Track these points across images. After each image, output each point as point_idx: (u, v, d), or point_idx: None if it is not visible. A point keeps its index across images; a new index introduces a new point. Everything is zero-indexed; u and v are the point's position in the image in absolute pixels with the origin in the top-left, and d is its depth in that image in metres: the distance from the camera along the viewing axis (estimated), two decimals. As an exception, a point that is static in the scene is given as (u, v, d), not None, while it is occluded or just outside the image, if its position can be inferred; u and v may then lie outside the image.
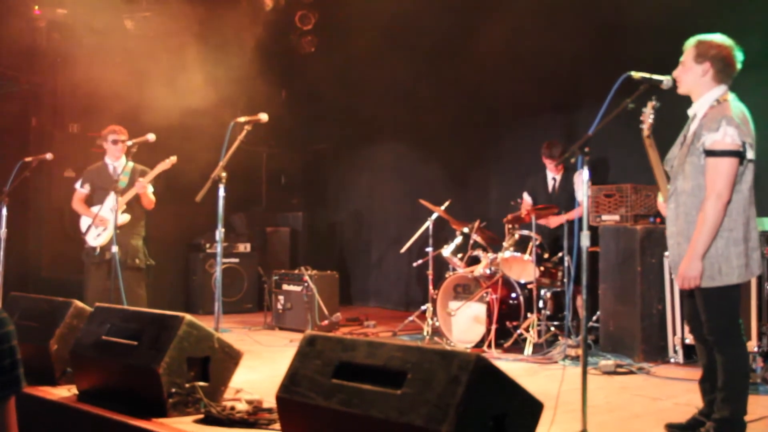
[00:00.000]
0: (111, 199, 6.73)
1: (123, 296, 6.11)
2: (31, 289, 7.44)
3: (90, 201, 6.95)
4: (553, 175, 7.40)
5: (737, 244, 3.68)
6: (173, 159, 6.60)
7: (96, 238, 6.76)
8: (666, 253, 6.06)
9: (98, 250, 6.73)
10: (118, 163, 6.93)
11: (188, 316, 4.28)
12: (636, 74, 3.80)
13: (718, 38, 3.82)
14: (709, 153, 3.62)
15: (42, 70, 9.38)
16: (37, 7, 9.01)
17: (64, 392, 4.71)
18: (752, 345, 5.47)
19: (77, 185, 6.99)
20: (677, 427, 4.00)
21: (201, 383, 4.21)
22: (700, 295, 3.75)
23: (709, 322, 3.77)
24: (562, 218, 6.91)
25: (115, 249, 6.18)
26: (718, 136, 3.60)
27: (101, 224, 6.72)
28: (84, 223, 6.89)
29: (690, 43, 3.86)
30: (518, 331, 6.54)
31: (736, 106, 3.73)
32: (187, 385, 4.16)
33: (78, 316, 5.00)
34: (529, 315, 6.58)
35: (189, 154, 7.07)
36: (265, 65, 9.60)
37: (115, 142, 6.88)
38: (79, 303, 5.09)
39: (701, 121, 3.73)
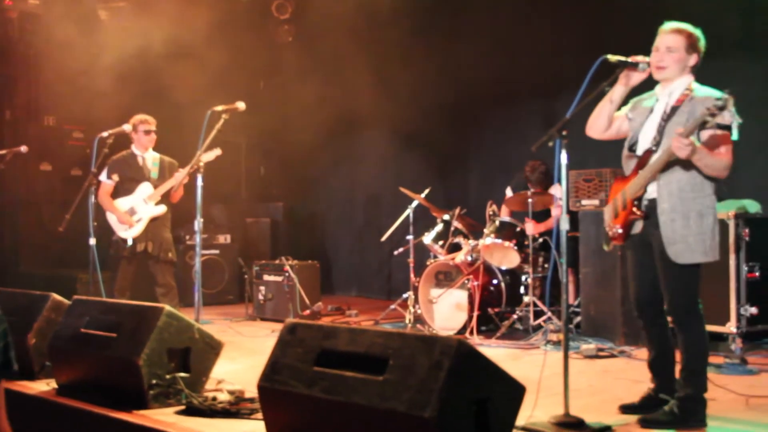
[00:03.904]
0: (143, 189, 6.67)
1: (102, 288, 6.08)
2: (8, 284, 7.34)
3: (115, 192, 6.77)
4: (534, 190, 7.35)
5: (716, 224, 3.82)
6: (218, 151, 6.45)
7: (128, 229, 6.66)
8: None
9: (130, 241, 6.62)
10: (147, 154, 6.83)
11: (168, 307, 4.25)
12: (612, 57, 3.84)
13: (698, 31, 3.92)
14: (722, 127, 3.67)
15: (15, 62, 9.26)
16: (8, -2, 8.89)
17: (43, 386, 4.66)
18: (731, 326, 5.52)
19: (103, 177, 6.72)
20: (631, 407, 4.06)
21: (182, 374, 4.18)
22: (678, 271, 3.79)
23: (679, 298, 3.84)
24: (540, 227, 6.88)
25: (93, 241, 6.14)
26: (724, 115, 3.66)
27: (126, 223, 6.62)
28: (111, 216, 6.73)
29: (673, 30, 3.86)
30: (515, 315, 6.61)
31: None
32: (167, 377, 4.13)
33: (56, 309, 4.95)
34: (525, 298, 6.60)
35: (166, 145, 7.00)
36: (243, 55, 9.53)
37: (147, 132, 6.76)
38: (56, 296, 5.03)
39: (692, 104, 3.77)
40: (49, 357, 4.73)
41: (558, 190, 7.01)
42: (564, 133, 3.75)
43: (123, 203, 6.68)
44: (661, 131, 3.85)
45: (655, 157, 3.82)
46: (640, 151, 3.93)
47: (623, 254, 6.10)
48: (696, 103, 3.76)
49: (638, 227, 3.94)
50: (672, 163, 3.73)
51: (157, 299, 6.54)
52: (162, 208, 6.72)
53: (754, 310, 5.53)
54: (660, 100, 3.95)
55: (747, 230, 5.60)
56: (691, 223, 3.75)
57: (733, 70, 6.25)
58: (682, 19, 3.95)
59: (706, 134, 3.72)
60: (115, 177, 6.72)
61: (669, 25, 3.90)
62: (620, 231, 3.98)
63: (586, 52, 4.43)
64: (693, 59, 3.87)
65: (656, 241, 3.84)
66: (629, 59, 3.86)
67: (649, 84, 4.01)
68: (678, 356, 3.92)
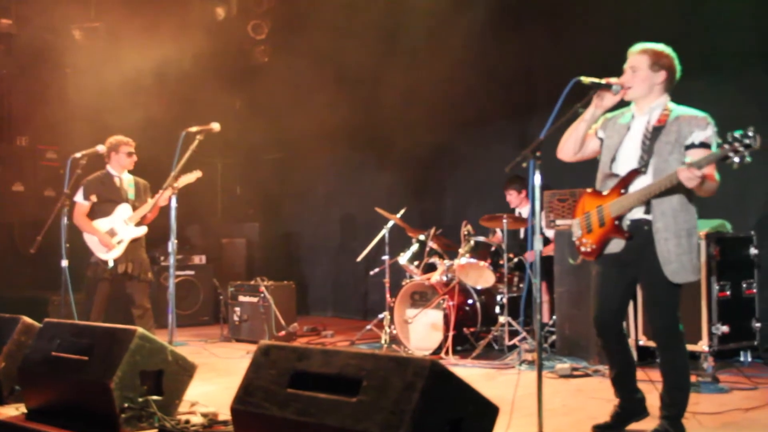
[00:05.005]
0: (122, 211, 6.60)
1: (74, 310, 6.01)
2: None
3: (92, 213, 6.65)
4: (519, 210, 7.42)
5: (697, 243, 3.90)
6: (198, 173, 6.42)
7: (109, 251, 6.54)
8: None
9: (111, 263, 6.50)
10: (123, 175, 6.76)
11: (140, 329, 4.20)
12: (585, 79, 3.87)
13: (667, 49, 3.96)
14: (706, 145, 3.75)
15: (-14, 82, 9.20)
16: (-20, 19, 8.83)
17: (12, 411, 4.57)
18: (703, 345, 5.57)
19: (79, 198, 6.63)
20: (604, 427, 4.09)
21: (155, 397, 4.13)
22: (669, 291, 3.83)
23: (665, 318, 3.89)
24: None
25: (65, 263, 6.08)
26: (708, 133, 3.77)
27: (107, 245, 6.50)
28: (90, 237, 6.60)
29: (639, 51, 3.93)
30: (490, 335, 6.61)
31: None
32: (140, 400, 4.07)
33: (26, 332, 4.86)
34: (500, 318, 6.61)
35: (140, 166, 6.97)
36: (219, 75, 9.53)
37: (129, 154, 6.70)
38: (27, 319, 4.95)
39: (678, 123, 3.81)
40: (18, 381, 4.64)
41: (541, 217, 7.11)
42: (537, 153, 3.77)
43: (102, 225, 6.59)
44: (647, 151, 3.86)
45: (644, 179, 3.84)
46: (621, 170, 3.94)
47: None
48: (682, 123, 3.81)
49: (615, 246, 3.95)
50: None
51: (132, 321, 6.46)
52: (143, 230, 6.66)
53: (725, 328, 5.60)
54: (637, 119, 3.97)
55: (718, 249, 5.68)
56: (683, 242, 3.80)
57: (696, 90, 6.35)
58: (652, 40, 4.01)
59: (694, 154, 3.73)
60: (93, 198, 6.63)
61: (635, 47, 3.98)
62: (594, 247, 4.00)
63: (559, 73, 4.50)
64: (660, 76, 3.90)
65: (646, 261, 3.84)
66: (602, 81, 3.90)
67: (624, 102, 4.06)
68: (660, 376, 3.94)
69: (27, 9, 8.84)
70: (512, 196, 7.45)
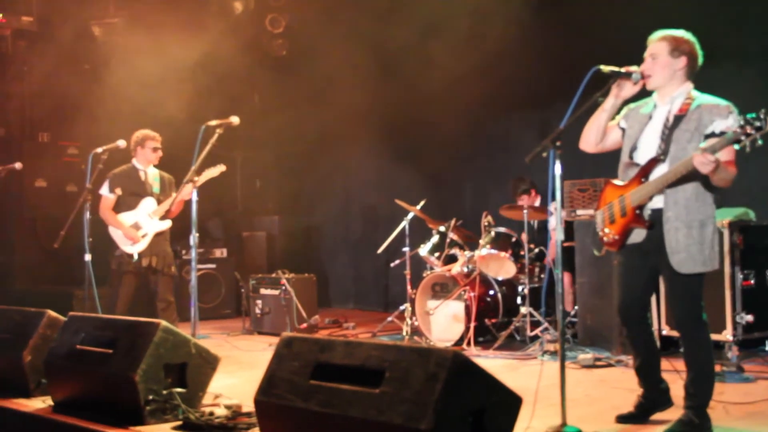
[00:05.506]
0: (147, 204, 6.66)
1: (98, 304, 6.05)
2: (3, 301, 7.32)
3: (116, 207, 6.69)
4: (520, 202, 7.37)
5: (715, 233, 3.82)
6: (222, 167, 6.51)
7: (134, 244, 6.59)
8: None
9: (135, 256, 6.55)
10: (149, 169, 6.81)
11: (164, 322, 4.23)
12: (605, 68, 3.85)
13: (687, 34, 3.90)
14: (724, 134, 3.66)
15: (8, 78, 9.26)
16: (1, 15, 8.89)
17: (38, 404, 4.64)
18: (728, 334, 5.53)
19: (104, 192, 6.67)
20: (628, 417, 4.09)
21: (178, 389, 4.17)
22: (683, 281, 3.78)
23: (684, 308, 3.85)
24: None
25: (88, 258, 6.12)
26: (729, 122, 3.68)
27: (132, 239, 6.54)
28: (114, 231, 6.64)
29: (659, 38, 3.90)
30: (512, 326, 6.61)
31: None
32: (164, 392, 4.12)
33: (51, 326, 4.93)
34: (522, 309, 6.59)
35: (161, 160, 7.00)
36: (237, 69, 9.55)
37: (155, 149, 6.76)
38: (52, 313, 5.02)
39: (699, 111, 3.75)
40: (44, 374, 4.70)
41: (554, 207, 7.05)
42: (558, 143, 3.75)
43: (127, 218, 6.63)
44: (666, 140, 3.81)
45: (662, 167, 3.79)
46: (641, 159, 3.90)
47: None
48: (703, 111, 3.75)
49: (637, 236, 3.92)
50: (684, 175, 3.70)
51: (156, 314, 6.50)
52: (167, 223, 6.69)
53: (749, 317, 5.55)
54: (659, 107, 3.93)
55: (741, 238, 5.62)
56: (694, 233, 3.74)
57: (722, 78, 6.29)
58: (675, 27, 3.97)
59: (711, 143, 3.66)
60: (118, 191, 6.67)
61: (654, 34, 3.94)
62: (617, 237, 3.97)
63: (579, 62, 4.46)
64: (680, 62, 3.85)
65: (661, 250, 3.81)
66: (622, 70, 3.87)
67: (645, 92, 4.02)
68: (684, 366, 3.91)
69: (48, 6, 8.90)
70: (524, 201, 7.37)
